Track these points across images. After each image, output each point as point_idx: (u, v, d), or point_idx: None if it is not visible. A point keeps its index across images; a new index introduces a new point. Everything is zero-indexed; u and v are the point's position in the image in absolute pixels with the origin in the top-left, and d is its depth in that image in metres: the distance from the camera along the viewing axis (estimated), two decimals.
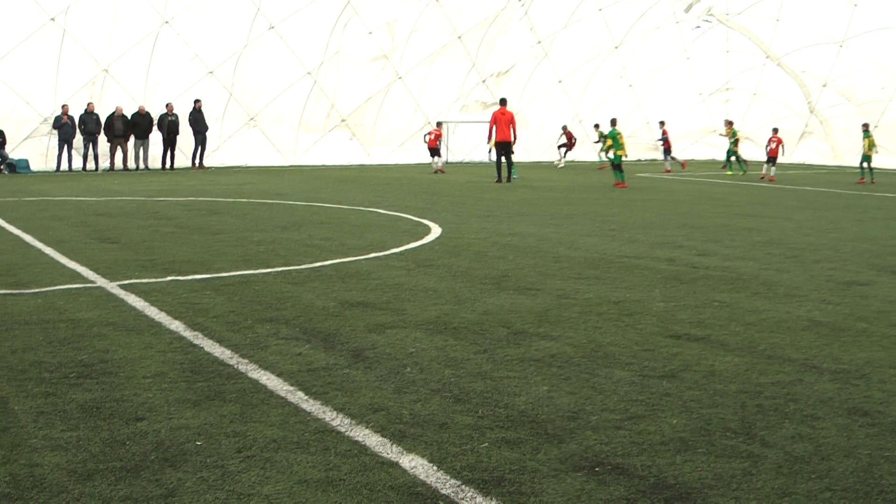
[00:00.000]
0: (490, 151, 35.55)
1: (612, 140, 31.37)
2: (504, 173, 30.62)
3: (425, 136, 38.10)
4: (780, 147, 34.86)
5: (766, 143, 35.71)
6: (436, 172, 35.43)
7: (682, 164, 40.76)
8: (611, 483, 5.03)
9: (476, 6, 40.90)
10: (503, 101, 32.01)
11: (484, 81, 42.90)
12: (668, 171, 35.07)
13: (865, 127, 35.69)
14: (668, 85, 48.49)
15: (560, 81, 44.69)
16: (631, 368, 7.34)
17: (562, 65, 44.64)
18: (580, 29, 44.23)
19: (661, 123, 40.15)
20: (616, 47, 45.68)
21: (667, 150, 38.79)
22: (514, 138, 31.02)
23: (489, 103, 42.65)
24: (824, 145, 46.19)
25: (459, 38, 41.09)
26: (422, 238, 15.21)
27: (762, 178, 33.72)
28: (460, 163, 41.61)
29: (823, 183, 32.94)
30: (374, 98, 40.22)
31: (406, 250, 13.87)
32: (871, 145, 34.66)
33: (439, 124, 39.14)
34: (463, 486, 4.94)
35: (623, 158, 30.40)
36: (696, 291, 10.84)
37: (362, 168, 38.02)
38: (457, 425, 5.92)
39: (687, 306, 9.93)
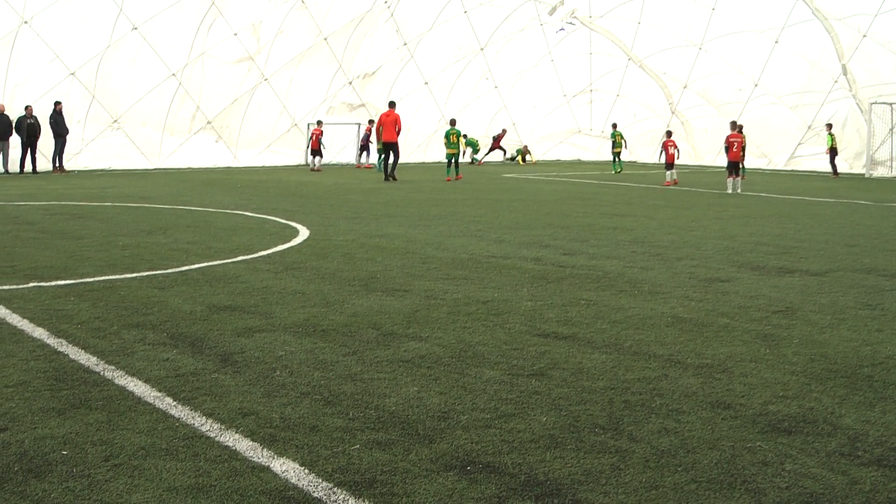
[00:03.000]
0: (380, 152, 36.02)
1: (445, 139, 33.86)
2: (394, 170, 32.27)
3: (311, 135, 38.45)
4: (676, 150, 34.59)
5: (660, 148, 35.31)
6: (313, 170, 35.59)
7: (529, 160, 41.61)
8: (482, 481, 5.06)
9: (342, 8, 40.80)
10: (391, 104, 33.45)
11: (350, 83, 42.83)
12: (672, 184, 33.54)
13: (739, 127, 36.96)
14: (532, 86, 49.03)
15: (426, 83, 44.87)
16: (500, 367, 7.39)
17: (428, 66, 44.81)
18: (446, 31, 44.46)
19: (668, 134, 37.33)
20: (481, 49, 46.03)
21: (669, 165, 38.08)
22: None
23: (356, 105, 42.61)
24: (685, 145, 47.23)
25: (325, 39, 40.95)
26: (289, 240, 15.10)
27: (666, 184, 32.63)
28: (327, 165, 41.40)
29: (686, 182, 33.63)
30: (241, 100, 39.82)
31: (274, 253, 13.75)
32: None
33: (320, 122, 39.11)
34: (335, 489, 4.92)
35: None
36: (563, 290, 10.97)
37: (229, 170, 37.58)
38: (327, 428, 5.89)
39: (554, 305, 10.05)
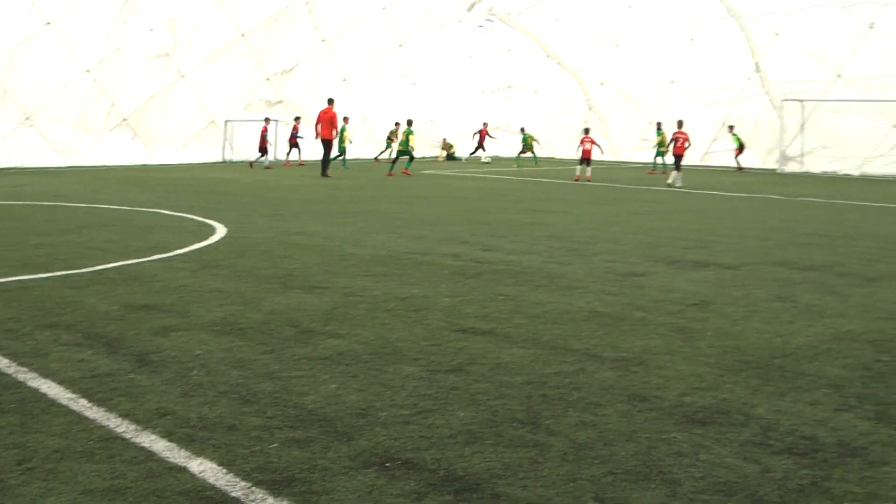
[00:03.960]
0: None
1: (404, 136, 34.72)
2: (339, 167, 34.05)
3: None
4: (594, 147, 34.89)
5: (578, 144, 35.49)
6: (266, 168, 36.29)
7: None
8: (401, 478, 5.06)
9: (259, 4, 40.48)
10: (330, 101, 34.37)
11: (268, 79, 42.53)
12: (579, 179, 33.68)
13: (658, 126, 37.89)
14: (451, 83, 49.11)
15: (344, 79, 44.71)
16: (419, 363, 7.40)
17: (346, 63, 44.66)
18: (364, 27, 44.35)
19: (586, 131, 36.92)
20: (400, 45, 45.99)
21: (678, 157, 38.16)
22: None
23: (274, 101, 42.33)
24: (603, 141, 47.63)
25: (243, 35, 40.60)
26: (207, 238, 14.98)
27: (576, 179, 33.27)
28: (243, 162, 41.02)
29: (604, 178, 33.92)
30: (157, 96, 39.30)
31: (190, 251, 13.63)
32: (664, 142, 36.99)
33: (267, 120, 38.98)
34: (253, 488, 4.89)
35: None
36: (482, 286, 11.02)
37: (145, 168, 37.13)
38: (245, 427, 5.86)
39: (472, 300, 10.09)
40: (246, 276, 11.47)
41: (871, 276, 12.29)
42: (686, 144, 32.36)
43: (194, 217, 18.22)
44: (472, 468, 5.20)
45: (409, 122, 36.75)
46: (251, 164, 37.93)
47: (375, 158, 45.23)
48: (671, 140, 33.16)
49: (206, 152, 40.67)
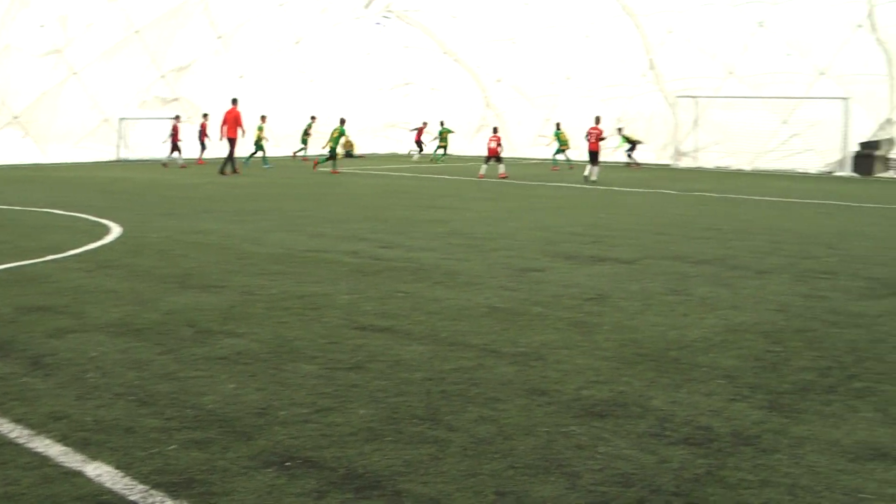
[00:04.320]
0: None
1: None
2: (233, 167, 33.21)
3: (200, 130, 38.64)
4: (500, 145, 34.86)
5: (487, 141, 35.38)
6: (181, 167, 35.99)
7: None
8: (302, 476, 5.05)
9: (154, 1, 39.91)
10: (234, 101, 34.34)
11: (164, 77, 41.89)
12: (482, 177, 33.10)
13: (558, 126, 38.58)
14: (349, 80, 48.94)
15: (241, 77, 44.27)
16: (317, 362, 7.38)
17: (243, 60, 44.22)
18: (261, 24, 43.96)
19: (495, 130, 36.52)
20: (297, 43, 45.70)
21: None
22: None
23: (169, 99, 41.76)
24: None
25: (137, 32, 39.97)
26: (101, 238, 14.74)
27: (480, 176, 32.90)
28: (138, 161, 40.38)
29: (526, 177, 34.10)
30: (49, 94, 38.51)
31: (85, 251, 13.41)
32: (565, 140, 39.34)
33: (178, 118, 38.36)
34: (151, 491, 4.84)
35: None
36: (380, 283, 11.02)
37: (38, 167, 36.34)
38: (143, 429, 5.79)
39: (371, 298, 10.08)
40: (142, 276, 11.32)
41: (762, 269, 12.55)
42: (601, 140, 32.62)
43: (89, 217, 17.90)
44: (373, 465, 5.21)
45: (342, 121, 36.81)
46: (164, 163, 37.32)
47: (293, 154, 44.93)
48: (586, 135, 33.36)
49: (100, 151, 39.93)
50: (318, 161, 36.35)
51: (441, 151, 44.33)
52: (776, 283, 11.44)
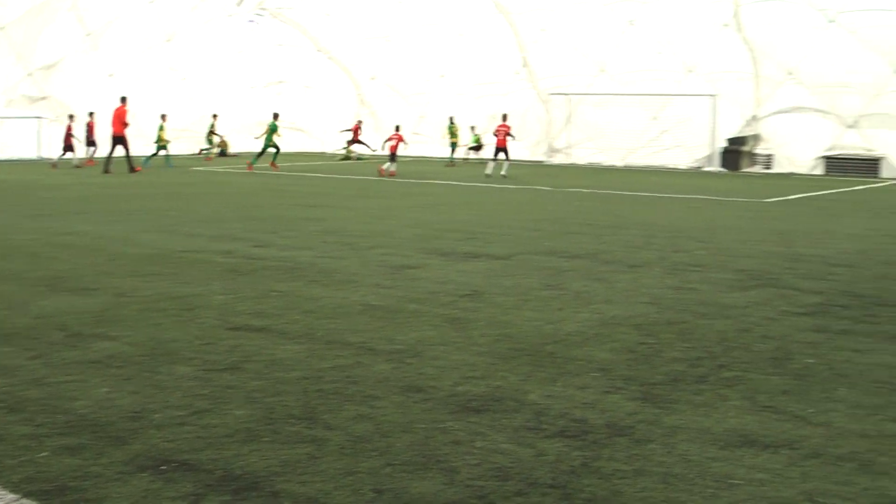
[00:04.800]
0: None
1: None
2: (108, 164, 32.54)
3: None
4: (400, 143, 35.09)
5: (386, 139, 35.79)
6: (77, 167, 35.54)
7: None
8: (178, 480, 4.99)
9: None
10: (123, 99, 33.90)
11: (30, 75, 40.89)
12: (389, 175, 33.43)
13: (451, 120, 39.17)
14: (221, 78, 48.39)
15: (111, 75, 43.46)
16: (193, 363, 7.30)
17: (113, 58, 43.39)
18: (131, 21, 43.19)
19: (397, 128, 37.25)
20: (168, 40, 45.03)
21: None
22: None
23: (37, 98, 40.79)
24: (376, 135, 47.84)
25: (2, 29, 38.98)
26: None
27: (381, 173, 32.90)
28: (6, 161, 39.29)
29: (373, 172, 34.09)
30: None
31: None
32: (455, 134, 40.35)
33: (71, 117, 37.63)
34: (23, 500, 4.73)
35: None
36: (255, 282, 10.94)
37: None
38: (12, 436, 5.65)
39: (246, 297, 10.01)
40: (10, 280, 11.05)
41: (634, 263, 12.78)
42: (508, 136, 33.51)
43: None
44: (251, 467, 5.18)
45: (276, 116, 36.93)
46: (54, 164, 36.44)
47: (200, 152, 44.49)
48: (494, 132, 34.50)
49: None
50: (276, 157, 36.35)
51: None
52: (648, 277, 11.66)
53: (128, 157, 32.80)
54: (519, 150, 42.48)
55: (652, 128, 41.16)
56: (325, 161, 42.07)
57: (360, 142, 44.99)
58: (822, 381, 7.00)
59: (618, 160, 41.32)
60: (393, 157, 33.93)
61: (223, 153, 46.09)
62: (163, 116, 37.79)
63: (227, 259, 12.77)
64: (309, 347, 7.84)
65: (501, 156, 33.26)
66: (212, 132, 43.58)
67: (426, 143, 45.54)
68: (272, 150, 35.92)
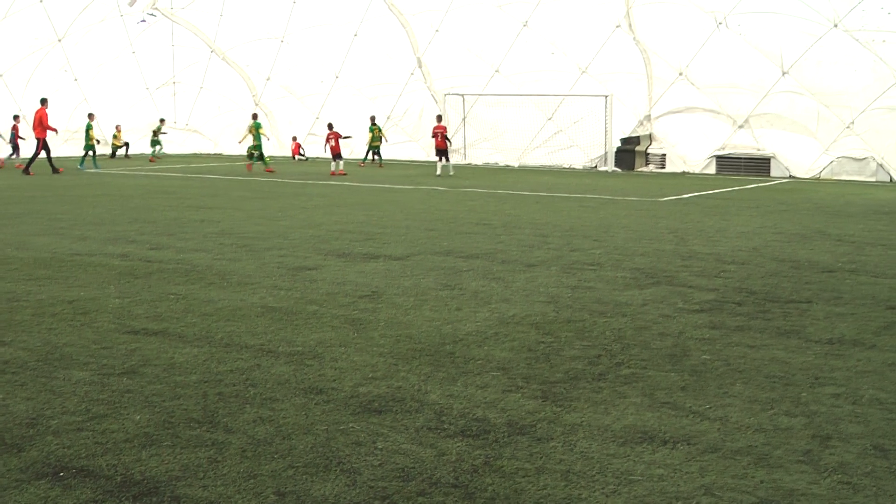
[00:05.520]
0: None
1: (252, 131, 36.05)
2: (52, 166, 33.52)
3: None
4: (339, 143, 36.40)
5: (325, 140, 37.29)
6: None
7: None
8: (77, 486, 4.93)
9: None
10: (43, 101, 34.52)
11: None
12: (340, 173, 34.19)
13: (372, 119, 39.14)
14: (114, 79, 47.69)
15: (0, 76, 42.55)
16: (90, 368, 7.20)
17: (2, 58, 42.46)
18: (20, 21, 42.31)
19: (330, 127, 38.68)
20: (59, 40, 44.20)
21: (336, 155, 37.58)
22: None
23: None
24: (272, 136, 47.65)
25: None
26: None
27: (332, 174, 33.97)
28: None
29: (268, 174, 33.89)
30: None
31: None
32: (377, 137, 40.90)
33: (17, 117, 37.18)
34: None
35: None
36: (152, 285, 10.82)
37: None
38: None
39: (143, 301, 9.89)
40: None
41: (530, 262, 12.90)
42: (446, 137, 35.09)
43: None
44: (150, 471, 5.13)
45: (255, 116, 37.21)
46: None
47: (122, 154, 44.19)
48: (432, 135, 35.82)
49: None
50: (250, 163, 36.26)
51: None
52: (545, 276, 11.78)
53: (47, 158, 33.46)
54: (414, 150, 42.62)
55: (547, 128, 41.58)
56: (219, 162, 41.65)
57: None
58: (718, 377, 7.15)
59: (513, 160, 41.64)
60: (337, 156, 35.35)
61: (115, 154, 45.49)
62: (90, 116, 37.61)
63: (123, 262, 12.60)
64: (207, 350, 7.78)
65: (444, 159, 34.62)
66: (156, 134, 43.86)
67: (320, 143, 45.47)
68: (256, 150, 36.08)
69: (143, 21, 47.99)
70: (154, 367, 7.23)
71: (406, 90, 44.75)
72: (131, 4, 46.54)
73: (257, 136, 35.85)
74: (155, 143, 44.61)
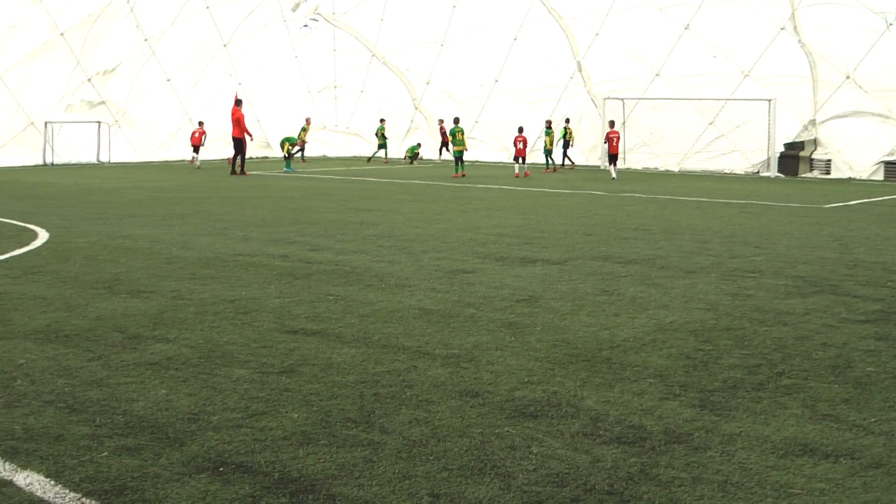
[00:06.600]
0: None
1: (451, 136, 36.37)
2: (240, 168, 34.96)
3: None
4: (526, 146, 36.66)
5: (513, 142, 37.01)
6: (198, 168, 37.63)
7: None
8: (235, 482, 5.02)
9: (78, 2, 39.27)
10: (238, 102, 35.79)
11: (90, 80, 41.32)
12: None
13: (548, 124, 39.50)
14: (277, 83, 48.70)
15: (168, 80, 43.86)
16: (249, 366, 7.34)
17: (170, 63, 43.76)
18: (188, 26, 43.54)
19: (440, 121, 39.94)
20: (225, 45, 45.36)
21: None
22: None
23: (96, 102, 41.23)
24: (430, 140, 47.99)
25: (62, 34, 39.39)
26: (28, 244, 14.54)
27: (516, 176, 34.68)
28: (67, 164, 39.83)
29: (429, 176, 34.15)
30: None
31: (11, 257, 13.21)
32: (554, 140, 40.23)
33: (201, 123, 39.22)
34: (83, 499, 4.78)
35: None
36: (311, 286, 10.98)
37: None
38: (73, 436, 5.71)
39: (302, 301, 10.05)
40: (70, 282, 11.18)
41: (690, 269, 12.69)
42: (616, 143, 35.78)
43: (14, 222, 17.64)
44: (307, 469, 5.19)
45: (457, 121, 37.72)
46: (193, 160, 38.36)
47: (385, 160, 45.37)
48: (605, 139, 36.49)
49: (25, 155, 39.28)
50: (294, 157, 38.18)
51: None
52: (704, 283, 11.57)
53: (236, 158, 34.79)
54: (574, 154, 42.38)
55: (708, 133, 40.86)
56: (378, 166, 42.13)
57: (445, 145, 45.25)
58: (884, 390, 6.91)
59: (673, 165, 41.07)
60: (521, 158, 36.08)
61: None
62: (307, 120, 39.70)
63: (283, 262, 12.83)
64: (365, 351, 7.86)
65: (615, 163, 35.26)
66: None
67: (480, 147, 45.63)
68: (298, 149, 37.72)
69: (306, 26, 48.89)
70: (312, 367, 7.33)
71: (565, 94, 44.53)
72: (294, 10, 47.44)
73: (461, 142, 36.19)
74: (382, 145, 45.36)
